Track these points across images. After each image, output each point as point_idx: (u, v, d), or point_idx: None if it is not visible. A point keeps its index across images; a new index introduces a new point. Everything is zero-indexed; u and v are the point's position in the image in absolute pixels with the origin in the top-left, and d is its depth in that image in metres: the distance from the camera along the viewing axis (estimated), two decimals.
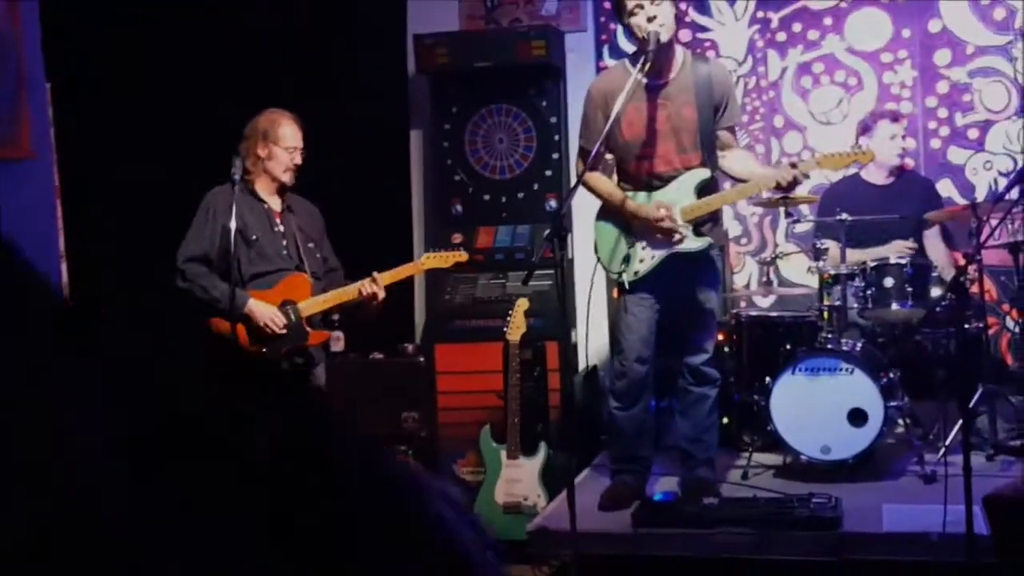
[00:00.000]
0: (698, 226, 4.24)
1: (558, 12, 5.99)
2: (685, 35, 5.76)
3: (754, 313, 5.40)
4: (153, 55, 5.60)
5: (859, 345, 4.73)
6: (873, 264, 4.75)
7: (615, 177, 4.41)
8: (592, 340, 5.74)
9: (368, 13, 5.90)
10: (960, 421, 4.16)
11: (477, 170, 5.78)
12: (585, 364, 5.81)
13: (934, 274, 4.75)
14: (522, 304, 4.85)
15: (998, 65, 5.57)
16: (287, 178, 4.34)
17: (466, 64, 5.64)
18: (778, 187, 4.15)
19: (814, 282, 4.96)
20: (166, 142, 5.50)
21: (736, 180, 4.30)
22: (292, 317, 4.27)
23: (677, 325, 4.36)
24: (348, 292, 4.37)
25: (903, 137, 5.26)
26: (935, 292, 4.67)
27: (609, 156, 4.38)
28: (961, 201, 5.41)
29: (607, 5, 5.88)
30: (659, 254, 4.25)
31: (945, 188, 5.56)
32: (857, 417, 4.49)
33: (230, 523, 0.52)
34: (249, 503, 0.53)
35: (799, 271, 5.75)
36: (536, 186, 5.69)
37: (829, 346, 4.65)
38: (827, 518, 3.92)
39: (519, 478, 4.77)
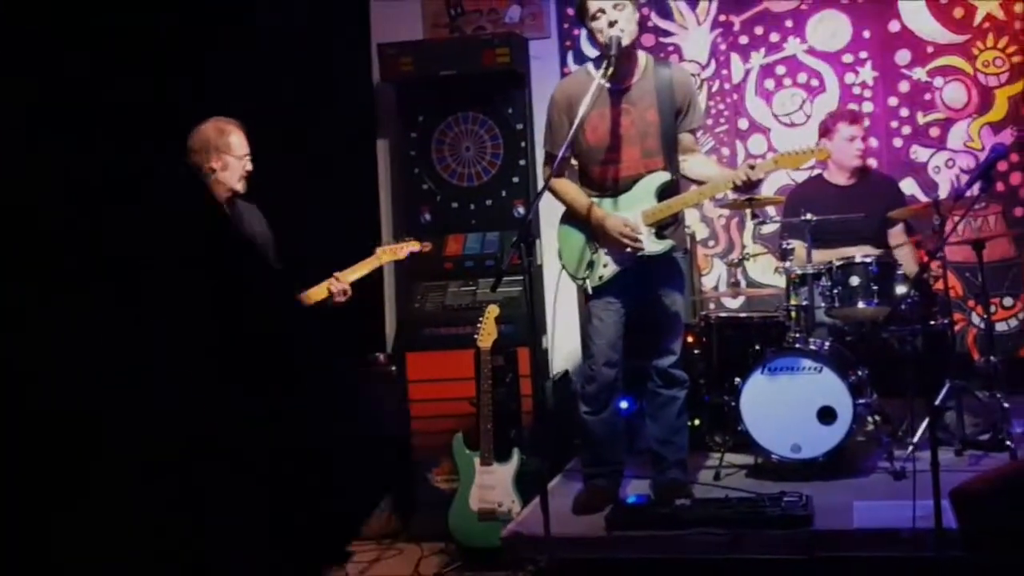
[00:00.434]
0: (660, 229, 4.27)
1: (521, 19, 6.02)
2: (648, 40, 5.81)
3: (723, 314, 5.44)
4: (107, 64, 5.58)
5: (827, 344, 4.77)
6: (839, 263, 4.80)
7: (578, 182, 4.43)
8: (564, 345, 5.78)
9: (331, 22, 5.90)
10: (928, 417, 4.21)
11: (445, 178, 5.79)
12: (555, 370, 5.83)
13: (899, 272, 4.79)
14: (492, 311, 4.86)
15: (957, 64, 5.64)
16: (241, 186, 4.29)
17: (431, 72, 5.66)
18: (736, 188, 4.18)
19: (781, 282, 5.01)
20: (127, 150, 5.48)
21: (696, 183, 4.33)
22: None
23: (644, 328, 4.38)
24: (317, 293, 4.44)
25: (863, 138, 5.32)
26: (900, 290, 4.72)
27: (572, 160, 4.41)
28: (924, 199, 5.47)
29: (570, 12, 5.92)
30: (622, 260, 4.27)
31: (908, 186, 5.63)
32: (826, 415, 4.52)
33: None
34: None
35: (766, 272, 5.81)
36: (504, 193, 5.71)
37: (797, 345, 4.69)
38: (798, 516, 3.95)
39: (493, 484, 4.78)
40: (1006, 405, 4.66)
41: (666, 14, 5.93)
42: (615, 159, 4.28)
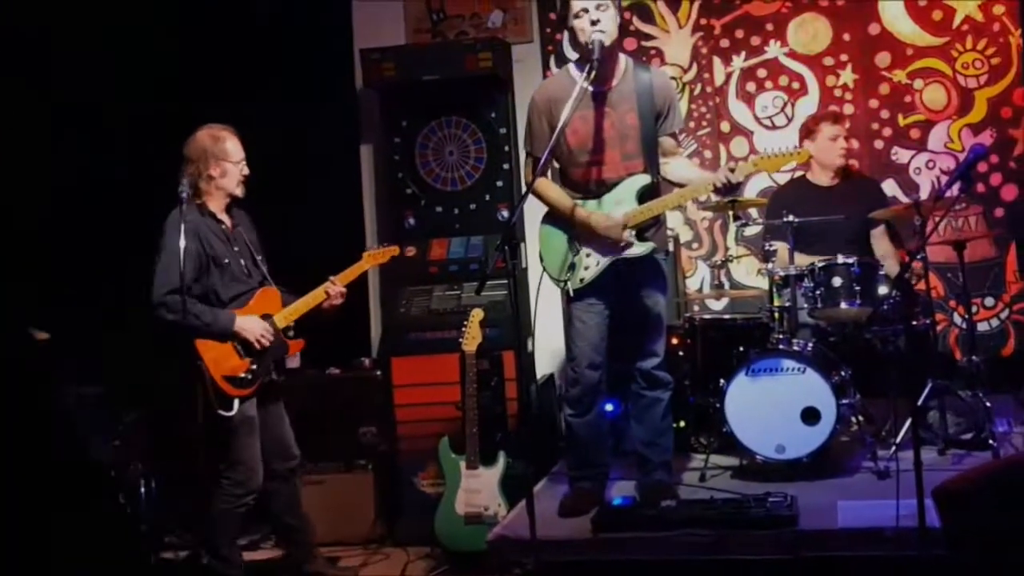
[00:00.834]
0: (642, 231, 4.28)
1: (504, 24, 6.03)
2: (630, 44, 5.83)
3: (707, 316, 5.46)
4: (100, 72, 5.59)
5: (810, 345, 4.79)
6: (821, 264, 4.82)
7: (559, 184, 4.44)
8: (549, 348, 5.79)
9: (313, 28, 5.90)
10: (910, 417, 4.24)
11: (428, 182, 5.80)
12: (540, 373, 5.84)
13: (881, 273, 4.82)
14: (477, 315, 4.87)
15: (937, 66, 5.68)
16: (240, 191, 4.37)
17: (414, 77, 5.66)
18: (716, 190, 4.20)
19: (765, 284, 5.03)
20: (112, 159, 5.51)
21: (678, 186, 4.34)
22: (274, 331, 4.37)
23: (627, 330, 4.39)
24: (315, 297, 4.46)
25: (845, 138, 5.35)
26: (882, 290, 4.74)
27: (554, 163, 4.42)
28: (905, 200, 5.50)
29: (552, 16, 5.94)
30: (604, 260, 4.28)
31: (890, 188, 5.66)
32: (810, 416, 4.55)
33: None
34: None
35: (750, 273, 5.84)
36: (488, 197, 5.72)
37: (781, 347, 4.71)
38: (783, 516, 3.96)
39: (479, 488, 4.78)
40: (988, 404, 4.70)
41: (647, 18, 5.95)
42: (596, 161, 4.29)
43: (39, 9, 5.33)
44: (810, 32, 5.81)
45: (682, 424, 5.17)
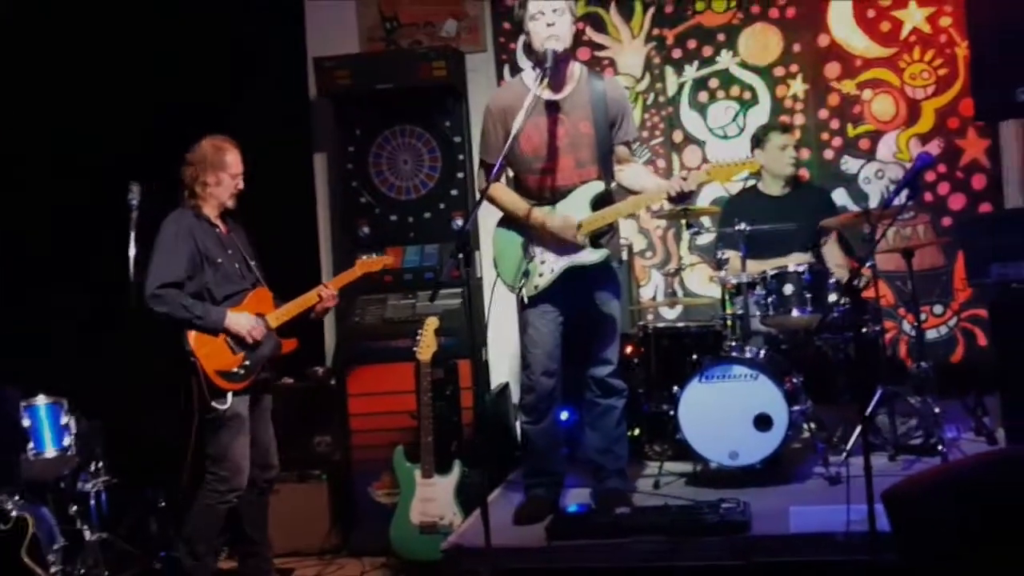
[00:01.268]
0: (595, 239, 4.30)
1: (458, 33, 6.04)
2: (584, 54, 5.86)
3: (660, 324, 5.50)
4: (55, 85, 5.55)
5: (762, 352, 4.83)
6: (773, 272, 4.87)
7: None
8: (504, 356, 5.80)
9: (267, 37, 5.88)
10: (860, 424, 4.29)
11: (383, 191, 5.78)
12: (496, 381, 5.85)
13: (831, 280, 4.88)
14: (432, 323, 4.86)
15: (885, 77, 5.76)
16: (232, 203, 4.51)
17: (368, 86, 5.66)
18: (669, 198, 4.24)
19: (717, 292, 5.07)
20: (69, 168, 5.47)
21: (633, 193, 4.37)
22: (266, 328, 4.44)
23: (581, 337, 4.41)
24: (308, 299, 4.56)
25: (795, 148, 5.41)
26: (833, 298, 4.80)
27: (508, 171, 4.44)
28: (855, 209, 5.58)
29: (506, 26, 5.96)
30: (558, 267, 4.30)
31: (840, 197, 5.73)
32: (763, 422, 4.58)
33: None
34: None
35: (703, 282, 5.88)
36: (443, 205, 5.72)
37: (733, 354, 4.74)
38: (736, 522, 3.99)
39: (434, 497, 4.78)
40: (937, 410, 4.75)
41: (600, 28, 5.98)
42: (550, 169, 4.31)
43: None
44: (761, 43, 5.87)
45: (636, 432, 5.20)
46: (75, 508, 4.78)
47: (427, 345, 4.82)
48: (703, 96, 5.94)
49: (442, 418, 4.97)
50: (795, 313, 4.82)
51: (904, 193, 3.84)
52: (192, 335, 4.27)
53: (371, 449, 5.29)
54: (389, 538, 4.83)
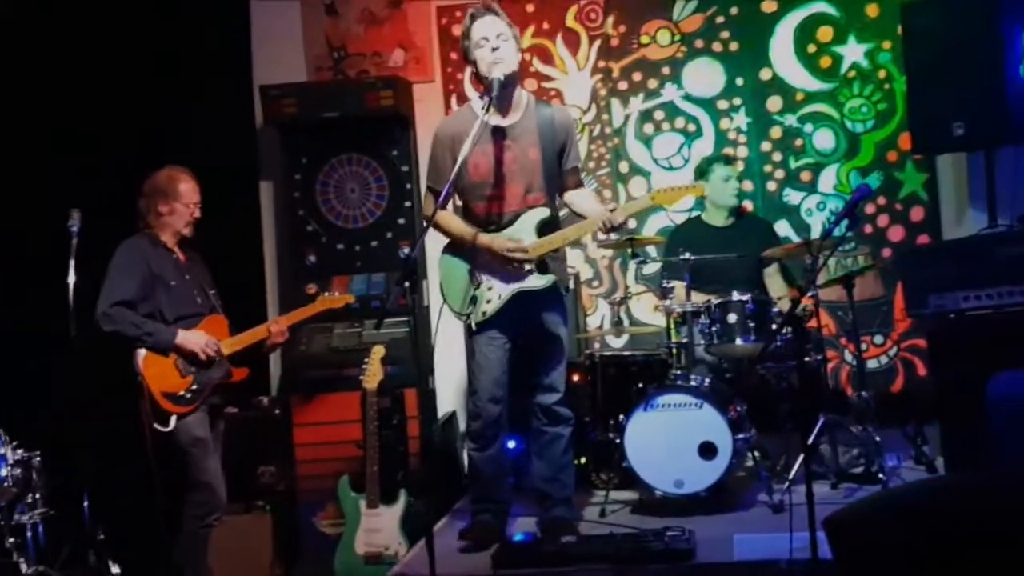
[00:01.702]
0: (542, 265, 4.33)
1: (405, 63, 6.06)
2: (531, 85, 5.91)
3: (607, 353, 5.52)
4: None
5: (707, 380, 4.87)
6: (717, 301, 4.92)
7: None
8: (453, 385, 5.79)
9: (214, 65, 5.85)
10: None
11: (330, 220, 5.77)
12: (443, 410, 5.83)
13: (774, 310, 4.94)
14: (378, 351, 4.85)
15: (826, 111, 5.87)
16: (188, 231, 4.56)
17: (315, 115, 5.65)
18: (602, 229, 4.26)
19: (663, 321, 5.11)
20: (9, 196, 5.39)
21: (581, 218, 4.41)
22: (219, 354, 4.45)
23: (528, 365, 4.42)
24: (259, 332, 4.59)
25: (738, 180, 5.49)
26: (775, 327, 4.85)
27: (457, 199, 4.45)
28: (797, 240, 5.66)
29: (453, 56, 5.99)
30: (505, 293, 4.31)
31: (783, 228, 5.82)
32: (707, 451, 4.62)
33: None
34: None
35: (649, 311, 5.92)
36: (389, 234, 5.71)
37: (679, 382, 4.78)
38: (681, 550, 4.01)
39: (379, 527, 4.74)
40: (878, 439, 4.83)
41: (547, 59, 6.04)
42: (498, 195, 4.33)
43: None
44: (705, 76, 5.96)
45: (583, 460, 5.21)
46: (12, 540, 4.67)
47: (373, 374, 4.80)
48: (648, 128, 6.01)
49: (388, 447, 4.94)
50: (739, 342, 4.88)
51: (844, 223, 3.89)
52: (142, 355, 4.29)
53: (316, 479, 5.24)
54: (333, 569, 4.78)
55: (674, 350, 4.92)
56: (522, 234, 4.31)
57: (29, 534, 4.74)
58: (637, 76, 6.01)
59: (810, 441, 4.67)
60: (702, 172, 5.45)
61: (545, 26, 6.03)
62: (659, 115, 6.00)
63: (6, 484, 4.72)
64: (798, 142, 5.89)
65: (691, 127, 5.98)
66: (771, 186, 5.92)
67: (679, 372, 4.85)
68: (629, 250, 4.99)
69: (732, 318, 4.89)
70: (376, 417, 4.76)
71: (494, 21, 4.26)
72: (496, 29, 4.24)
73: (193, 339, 4.37)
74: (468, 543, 4.35)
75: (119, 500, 4.81)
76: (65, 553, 4.99)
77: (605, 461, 5.11)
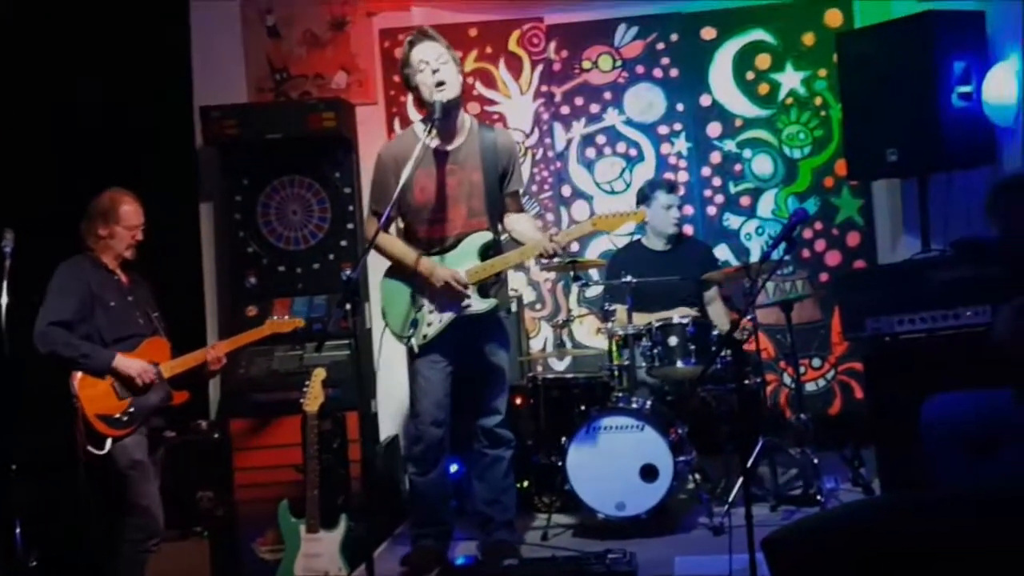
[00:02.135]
0: (484, 288, 4.34)
1: (348, 85, 6.05)
2: (474, 108, 5.93)
3: (550, 375, 5.54)
4: None
5: (648, 403, 4.90)
6: (658, 324, 4.96)
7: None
8: (395, 408, 5.76)
9: (152, 86, 5.80)
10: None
11: (271, 241, 5.73)
12: (385, 433, 5.80)
13: (714, 332, 4.99)
14: (319, 374, 4.81)
15: (764, 137, 5.97)
16: (129, 254, 4.54)
17: (256, 136, 5.62)
18: (546, 255, 4.28)
19: (605, 344, 5.13)
20: None
21: (520, 244, 4.42)
22: (159, 377, 4.43)
23: (470, 387, 4.42)
24: (198, 356, 4.57)
25: (679, 207, 5.54)
26: (715, 350, 4.90)
27: (400, 222, 4.45)
28: (736, 263, 5.72)
29: (396, 79, 5.99)
30: (447, 317, 4.32)
31: (722, 252, 5.88)
32: (649, 473, 4.64)
33: None
34: None
35: (591, 333, 5.95)
36: (331, 256, 5.68)
37: (620, 405, 4.81)
38: (622, 572, 4.02)
39: (319, 552, 4.69)
40: (816, 461, 4.88)
41: (490, 83, 6.07)
42: (441, 218, 4.34)
43: None
44: (645, 101, 6.03)
45: (526, 483, 5.21)
46: None
47: (314, 397, 4.76)
48: (591, 152, 6.06)
49: (329, 471, 4.90)
50: (680, 364, 4.92)
51: (782, 247, 3.95)
52: (78, 377, 4.26)
53: (256, 504, 5.18)
54: None
55: (616, 372, 4.95)
56: (465, 257, 4.32)
57: None
58: (579, 100, 6.06)
59: (749, 463, 4.71)
60: (644, 197, 5.49)
61: (488, 50, 6.06)
62: (601, 139, 6.05)
63: None
64: (737, 167, 5.98)
65: (632, 151, 6.04)
66: (711, 210, 5.99)
67: (621, 394, 4.87)
68: (571, 273, 5.02)
69: (673, 341, 4.93)
70: (316, 441, 4.72)
71: (433, 46, 4.28)
72: (436, 53, 4.26)
73: (131, 365, 4.33)
74: (408, 569, 4.32)
75: (53, 525, 4.71)
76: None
77: (547, 484, 5.11)
